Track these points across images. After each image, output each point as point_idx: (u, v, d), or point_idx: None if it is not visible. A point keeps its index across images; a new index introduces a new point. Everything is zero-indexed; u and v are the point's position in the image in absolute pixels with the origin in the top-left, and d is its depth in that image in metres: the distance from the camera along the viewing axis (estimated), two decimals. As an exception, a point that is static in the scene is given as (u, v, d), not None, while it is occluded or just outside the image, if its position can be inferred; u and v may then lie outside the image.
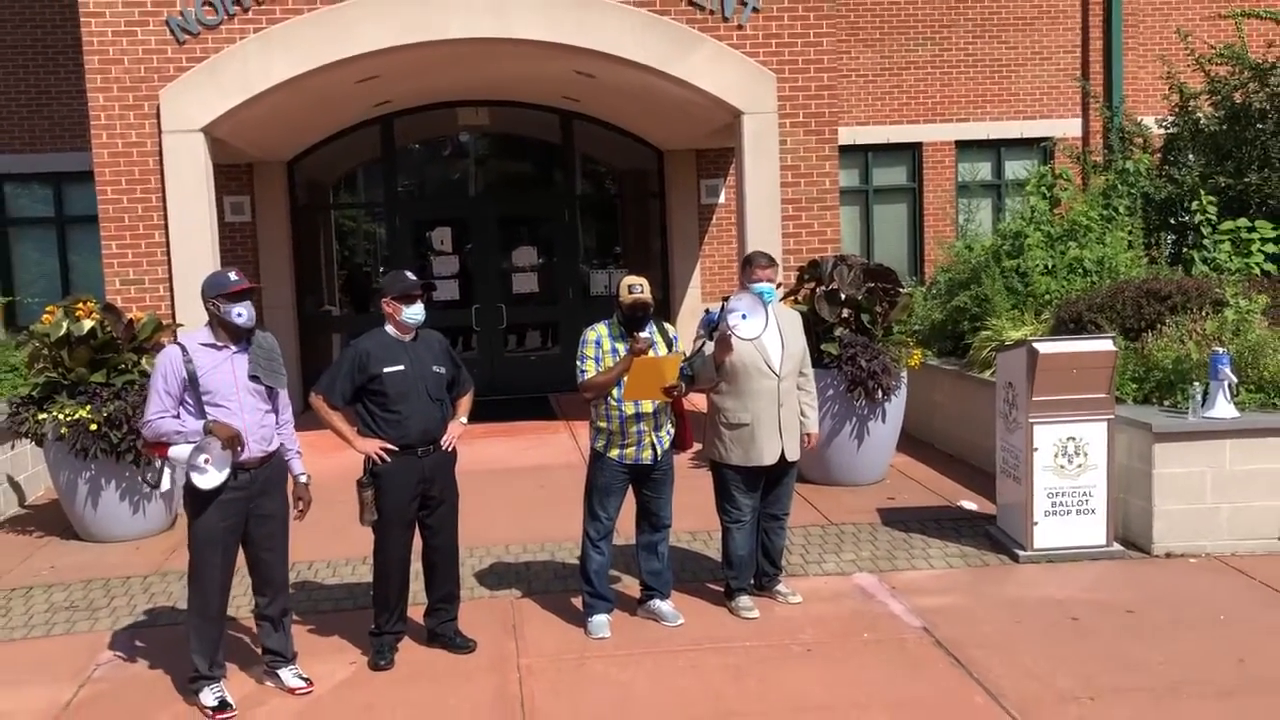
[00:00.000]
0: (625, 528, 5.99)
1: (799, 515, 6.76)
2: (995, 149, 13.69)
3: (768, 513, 5.49)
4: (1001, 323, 8.29)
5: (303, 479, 4.70)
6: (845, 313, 7.82)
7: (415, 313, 4.84)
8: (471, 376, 5.21)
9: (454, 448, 4.98)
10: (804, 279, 8.12)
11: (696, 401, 7.34)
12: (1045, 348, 5.99)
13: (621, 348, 5.08)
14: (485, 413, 10.80)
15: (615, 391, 5.06)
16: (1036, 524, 6.08)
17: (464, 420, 5.07)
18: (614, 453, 5.13)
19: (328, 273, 13.02)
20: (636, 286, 5.04)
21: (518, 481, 8.34)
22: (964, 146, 13.52)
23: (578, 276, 12.98)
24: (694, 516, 6.63)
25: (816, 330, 7.72)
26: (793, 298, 8.21)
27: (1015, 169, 13.38)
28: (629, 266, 12.93)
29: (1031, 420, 6.04)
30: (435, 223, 12.76)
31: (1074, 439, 6.05)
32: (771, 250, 8.68)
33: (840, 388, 7.61)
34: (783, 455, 5.28)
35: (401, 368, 4.79)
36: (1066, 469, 6.07)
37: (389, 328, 4.90)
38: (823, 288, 7.88)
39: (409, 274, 4.91)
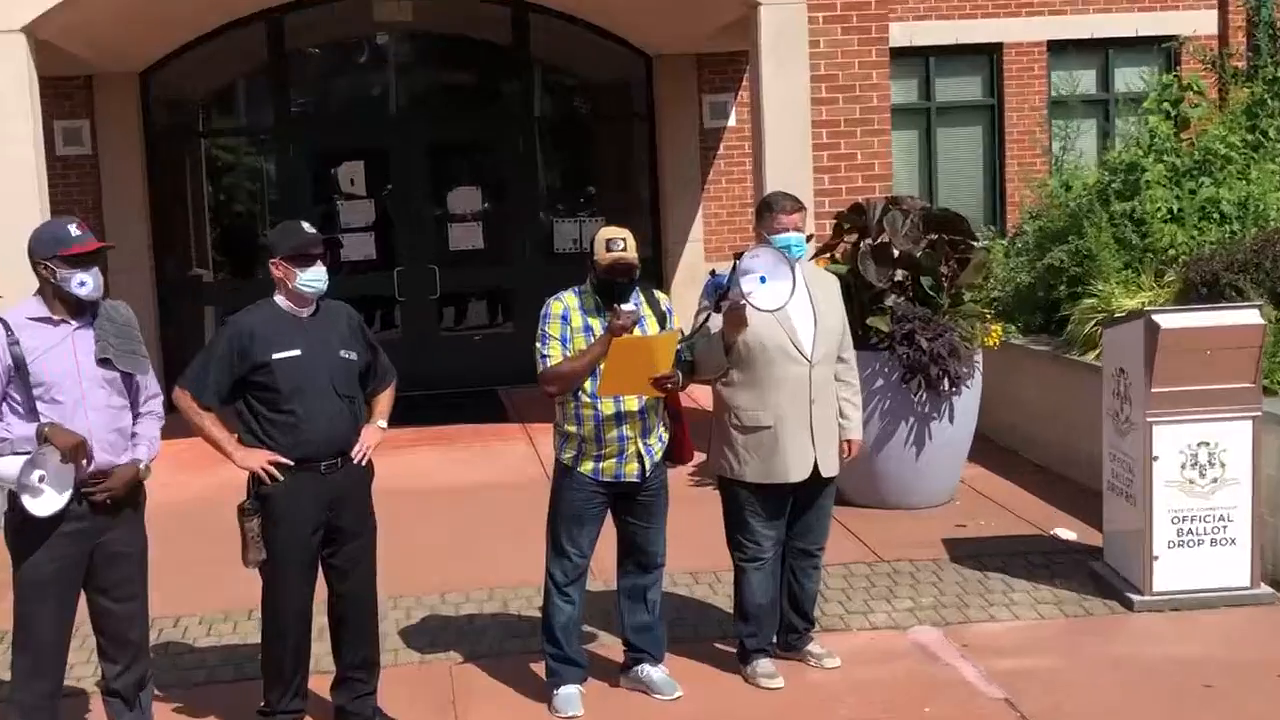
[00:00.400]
0: (604, 567, 6.00)
1: (838, 550, 6.78)
2: (1102, 51, 13.73)
3: (796, 547, 5.50)
4: (1110, 287, 8.32)
5: (141, 467, 4.61)
6: (899, 275, 7.84)
7: (314, 278, 4.83)
8: (394, 364, 5.21)
9: (369, 461, 4.98)
10: (843, 229, 8.13)
11: (699, 397, 7.34)
12: (1169, 321, 6.02)
13: (597, 324, 5.08)
14: (413, 413, 10.79)
15: (589, 384, 5.06)
16: (1157, 559, 6.12)
17: (383, 424, 5.06)
18: (587, 466, 5.14)
19: (197, 223, 12.99)
20: (617, 242, 5.04)
21: (458, 506, 8.33)
22: (1059, 48, 13.56)
23: (537, 228, 12.99)
24: (696, 552, 6.63)
25: (861, 299, 7.73)
26: (828, 255, 8.22)
27: (1129, 78, 13.43)
28: (606, 215, 12.95)
29: (1150, 419, 6.07)
30: (343, 155, 12.74)
31: (1207, 444, 6.09)
32: (799, 191, 8.66)
33: (893, 377, 7.63)
34: (815, 470, 5.30)
35: (297, 353, 4.79)
36: (1197, 484, 6.11)
37: (279, 298, 4.89)
38: (869, 241, 7.89)
39: (306, 225, 4.90)
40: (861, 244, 7.90)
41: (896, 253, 7.79)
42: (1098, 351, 7.80)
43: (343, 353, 4.89)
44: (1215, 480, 6.11)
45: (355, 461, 4.91)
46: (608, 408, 5.07)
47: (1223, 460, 6.09)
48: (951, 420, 7.76)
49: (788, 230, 5.27)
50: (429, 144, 12.68)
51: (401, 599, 6.47)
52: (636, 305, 5.14)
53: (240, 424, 4.86)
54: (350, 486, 4.91)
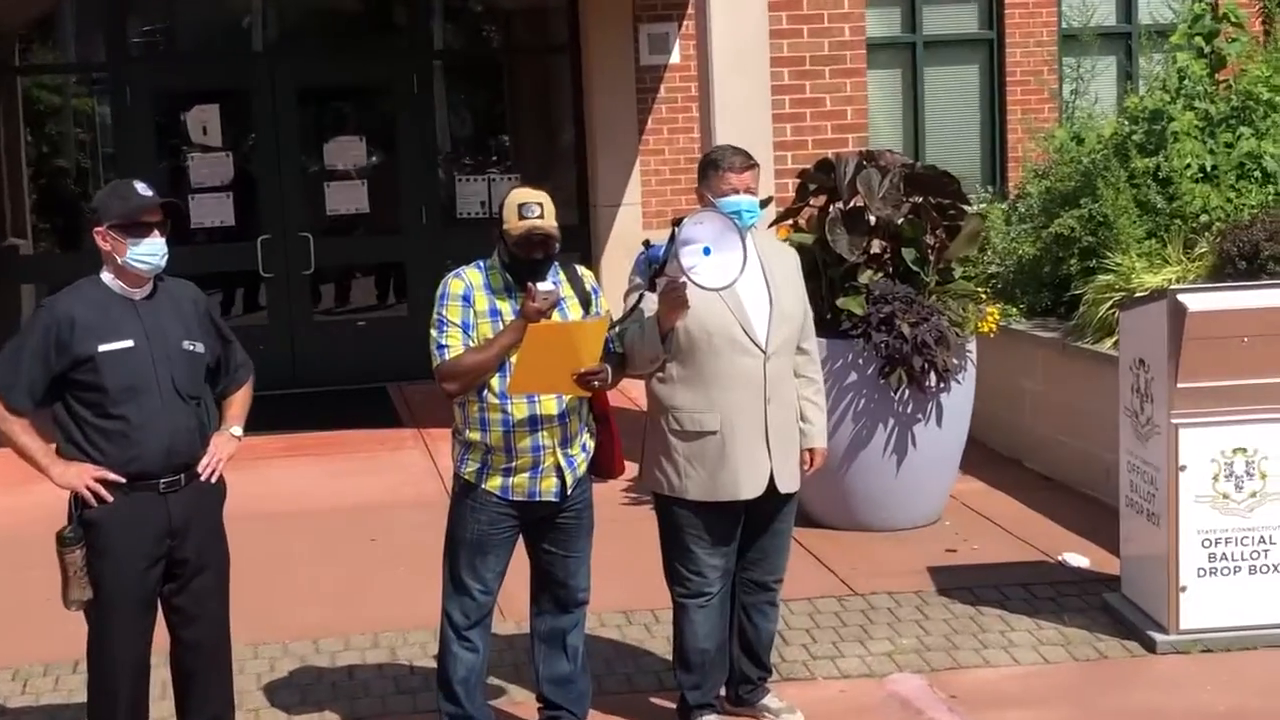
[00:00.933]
0: (514, 606, 5.96)
1: (801, 581, 6.77)
2: (1123, -26, 13.85)
3: (749, 579, 5.52)
4: (1130, 261, 8.38)
5: None
6: (876, 246, 7.87)
7: (150, 251, 4.80)
8: (257, 356, 5.23)
9: (220, 477, 4.96)
10: (808, 191, 8.15)
11: (634, 394, 7.33)
12: (1198, 302, 6.07)
13: (507, 308, 5.08)
14: (280, 417, 10.68)
15: (497, 381, 5.05)
16: (1185, 589, 6.18)
17: (238, 431, 5.05)
18: (493, 483, 5.13)
19: (12, 181, 12.80)
20: (532, 207, 5.03)
21: (335, 531, 8.29)
22: (1071, -30, 13.63)
23: (435, 188, 12.91)
24: (628, 586, 6.62)
25: (829, 275, 7.75)
26: (789, 223, 8.23)
27: (1154, 8, 13.50)
28: (521, 173, 12.91)
29: (1176, 420, 6.12)
30: (194, 98, 12.59)
31: (1244, 451, 6.15)
32: (755, 144, 8.67)
33: (868, 370, 7.66)
34: (772, 484, 5.31)
35: (129, 344, 4.76)
36: (1233, 500, 6.17)
37: (107, 276, 4.86)
38: (839, 205, 7.91)
39: (140, 186, 4.87)
40: (830, 208, 7.91)
41: (873, 219, 7.81)
42: (1115, 339, 7.87)
43: (186, 344, 4.86)
44: (1254, 495, 6.17)
45: (203, 478, 4.88)
46: (520, 410, 5.06)
47: (1263, 470, 6.15)
48: (939, 422, 7.80)
49: (737, 192, 5.28)
50: (301, 86, 12.56)
51: (264, 647, 6.42)
52: (556, 284, 5.14)
53: (59, 432, 4.82)
54: (196, 509, 4.88)
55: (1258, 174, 8.78)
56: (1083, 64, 10.80)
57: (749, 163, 5.33)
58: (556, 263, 5.17)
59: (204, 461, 4.88)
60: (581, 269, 5.36)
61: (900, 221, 7.80)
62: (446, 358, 5.05)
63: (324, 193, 12.69)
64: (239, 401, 5.11)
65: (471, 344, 5.04)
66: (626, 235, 12.54)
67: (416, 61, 12.81)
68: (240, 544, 5.15)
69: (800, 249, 6.59)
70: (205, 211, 12.36)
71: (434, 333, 5.09)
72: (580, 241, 12.56)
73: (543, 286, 5.05)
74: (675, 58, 12.73)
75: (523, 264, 5.07)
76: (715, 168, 5.34)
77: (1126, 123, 9.46)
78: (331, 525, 8.42)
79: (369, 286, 13.21)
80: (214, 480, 4.93)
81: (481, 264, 5.18)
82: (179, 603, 4.92)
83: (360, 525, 8.36)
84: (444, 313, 5.08)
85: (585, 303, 5.22)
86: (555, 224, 5.08)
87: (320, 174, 12.74)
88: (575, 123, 13.08)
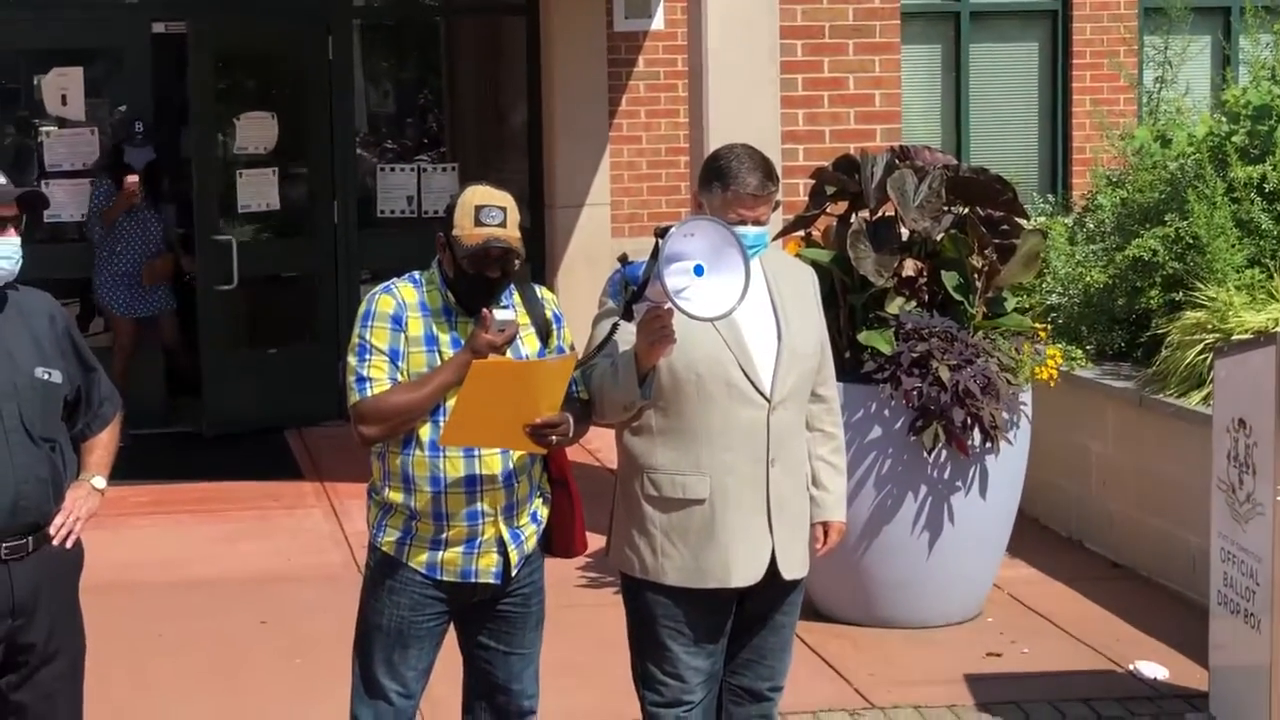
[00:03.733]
0: (443, 713, 5.95)
1: (806, 690, 6.77)
2: (1219, -64, 13.95)
3: (740, 686, 5.49)
4: (1227, 294, 8.40)
5: None
6: (910, 267, 7.89)
7: (2, 254, 4.81)
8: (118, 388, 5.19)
9: (78, 540, 4.95)
10: (825, 195, 8.18)
11: (599, 447, 7.28)
12: (1313, 350, 6.10)
13: (448, 337, 5.09)
14: (153, 464, 10.69)
15: (428, 429, 5.07)
16: (1290, 711, 6.21)
17: (100, 482, 5.05)
18: (418, 557, 5.13)
19: None
20: (494, 212, 5.04)
21: (215, 610, 8.26)
22: (1157, -70, 13.74)
23: (350, 178, 12.89)
24: (588, 692, 6.61)
25: (849, 302, 7.77)
26: (800, 234, 8.25)
27: (1260, -22, 13.64)
28: (459, 162, 12.93)
29: (1284, 498, 6.16)
30: (53, 58, 12.58)
31: (1367, 538, 6.18)
32: (760, 138, 8.69)
33: (896, 424, 7.68)
34: (773, 568, 5.30)
35: (-35, 371, 4.78)
36: (1351, 599, 6.20)
37: (-59, 285, 4.89)
38: (864, 215, 7.94)
39: (-12, 171, 4.90)
40: (853, 218, 7.94)
41: (906, 233, 7.84)
42: (1206, 392, 7.90)
43: (40, 371, 4.87)
44: (1378, 593, 6.20)
45: (55, 541, 4.87)
46: (455, 467, 5.06)
47: (1389, 563, 6.20)
48: (983, 492, 7.81)
49: (744, 223, 5.20)
50: (181, 45, 12.56)
51: (124, 757, 6.42)
52: (511, 310, 5.13)
53: None
54: (45, 581, 4.87)
55: (1389, 189, 8.85)
56: (1170, 44, 10.86)
57: (768, 187, 5.23)
58: (513, 282, 5.18)
59: (58, 520, 4.87)
60: (542, 290, 5.35)
61: (940, 237, 7.83)
62: (368, 393, 5.03)
63: (234, 183, 12.56)
64: (103, 445, 5.10)
65: (401, 379, 5.04)
66: (591, 244, 12.55)
67: (331, 19, 12.79)
68: (99, 624, 5.13)
69: (814, 268, 6.44)
70: (62, 203, 12.29)
71: (353, 360, 5.07)
72: (531, 250, 12.50)
73: (500, 315, 5.04)
74: (659, 23, 12.75)
75: (473, 283, 5.07)
76: (724, 182, 5.21)
77: (1225, 120, 9.48)
78: (212, 602, 8.38)
79: (266, 305, 13.09)
80: (69, 545, 4.91)
81: (417, 278, 5.17)
82: (22, 699, 4.90)
83: (248, 603, 8.32)
84: (368, 336, 5.07)
85: (544, 334, 5.22)
86: (519, 235, 5.08)
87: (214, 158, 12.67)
88: (529, 100, 13.09)
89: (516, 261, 5.09)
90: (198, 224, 12.39)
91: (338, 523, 9.73)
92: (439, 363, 5.04)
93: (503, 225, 5.02)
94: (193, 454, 11.70)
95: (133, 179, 11.52)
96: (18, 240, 4.86)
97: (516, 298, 5.21)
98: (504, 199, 5.08)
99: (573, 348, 5.27)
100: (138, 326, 12.16)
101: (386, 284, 5.16)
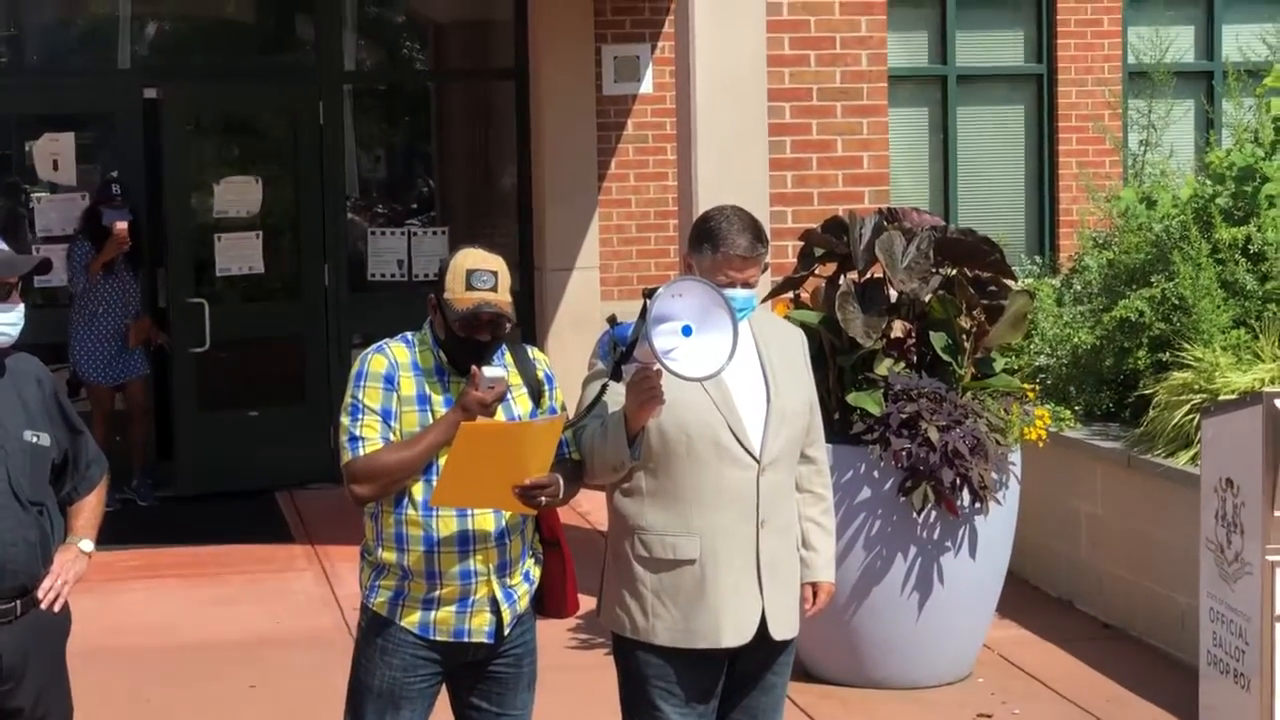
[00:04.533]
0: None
1: (796, 750, 6.78)
2: (1205, -1, 14.01)
3: (730, 747, 5.50)
4: (1213, 355, 8.42)
5: None
6: (899, 328, 7.92)
7: (6, 321, 4.85)
8: (106, 451, 5.22)
9: (65, 605, 4.94)
10: (814, 257, 8.19)
11: (590, 509, 7.29)
12: (1299, 409, 6.13)
13: (440, 397, 5.10)
14: (139, 527, 10.69)
15: (420, 488, 5.07)
16: (1280, 772, 6.20)
17: (88, 546, 5.04)
18: (411, 617, 5.13)
19: None
20: (484, 276, 5.05)
21: (204, 674, 8.22)
22: (1139, -6, 13.81)
23: (341, 242, 12.90)
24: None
25: (838, 364, 7.79)
26: (789, 296, 8.27)
27: (1242, 39, 13.68)
28: (449, 225, 12.94)
29: (1274, 557, 6.16)
30: (45, 123, 12.59)
31: (1356, 596, 6.18)
32: (750, 199, 8.71)
33: (885, 485, 7.68)
34: (764, 629, 5.30)
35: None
36: (1340, 658, 6.20)
37: (-67, 350, 4.91)
38: (853, 276, 7.96)
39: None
40: (841, 280, 7.96)
41: (895, 295, 7.86)
42: (1194, 452, 7.91)
43: (28, 434, 4.87)
44: (1367, 652, 6.20)
45: (43, 606, 4.86)
46: (446, 526, 5.06)
47: (1379, 622, 6.20)
48: (973, 553, 7.82)
49: (734, 285, 5.22)
50: (178, 110, 12.56)
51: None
52: (503, 370, 5.14)
53: None
54: (33, 645, 4.86)
55: (1373, 250, 8.87)
56: (1154, 108, 10.90)
57: (758, 248, 5.27)
58: (504, 343, 5.19)
59: (45, 584, 4.86)
60: (534, 351, 5.37)
61: (929, 298, 7.84)
62: (360, 453, 5.04)
63: (210, 246, 12.60)
64: (90, 508, 5.09)
65: (393, 438, 5.05)
66: (580, 307, 12.56)
67: (322, 85, 12.82)
68: (87, 689, 5.12)
69: (802, 330, 6.44)
70: (56, 270, 12.26)
71: (346, 420, 5.08)
72: (521, 313, 12.49)
73: (489, 372, 5.05)
74: (647, 86, 12.78)
75: (464, 345, 5.09)
76: (714, 243, 5.25)
77: (1209, 182, 9.52)
78: (201, 666, 8.35)
79: (256, 367, 13.08)
80: (57, 608, 4.90)
81: (409, 338, 5.19)
82: (8, 765, 4.90)
83: (237, 667, 8.29)
84: (360, 397, 5.08)
85: (536, 394, 5.23)
86: (510, 299, 5.09)
87: (200, 225, 12.66)
88: (519, 164, 13.13)
89: (507, 325, 5.11)
90: (170, 286, 12.40)
91: (329, 586, 9.70)
92: (432, 422, 5.05)
93: (494, 289, 5.04)
94: (179, 516, 11.63)
95: (122, 226, 11.43)
96: (23, 308, 4.88)
97: (508, 358, 5.22)
98: (496, 263, 5.09)
99: (564, 408, 5.28)
100: (115, 392, 12.08)
101: (379, 344, 5.18)
